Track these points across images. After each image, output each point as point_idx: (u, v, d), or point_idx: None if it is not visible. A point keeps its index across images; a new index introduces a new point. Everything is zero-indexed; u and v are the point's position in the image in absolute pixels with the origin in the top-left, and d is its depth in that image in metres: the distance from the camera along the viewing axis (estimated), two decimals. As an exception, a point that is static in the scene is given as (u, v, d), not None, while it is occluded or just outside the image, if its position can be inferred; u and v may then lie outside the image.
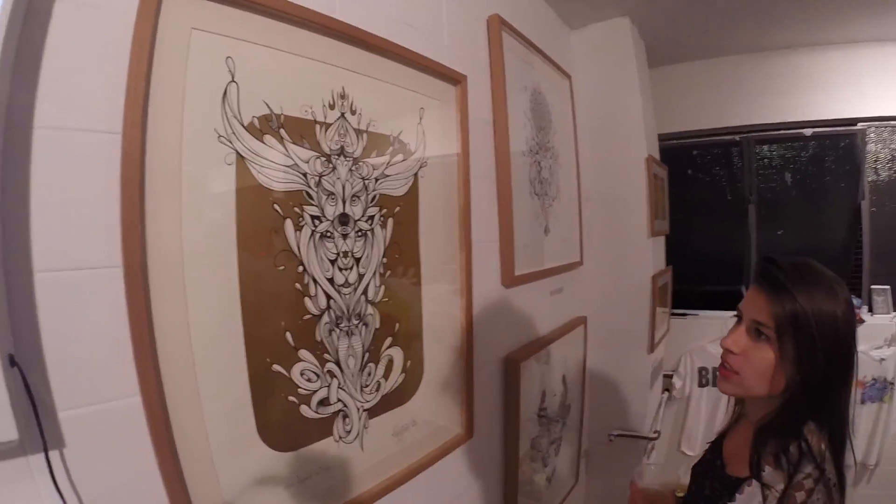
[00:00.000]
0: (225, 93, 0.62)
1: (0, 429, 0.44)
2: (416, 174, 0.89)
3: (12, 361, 0.46)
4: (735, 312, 0.76)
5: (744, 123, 2.48)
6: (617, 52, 1.75)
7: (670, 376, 2.31)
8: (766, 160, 2.58)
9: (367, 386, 0.80)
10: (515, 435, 1.16)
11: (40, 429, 0.48)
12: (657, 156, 1.93)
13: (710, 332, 2.34)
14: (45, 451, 0.48)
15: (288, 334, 0.68)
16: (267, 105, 0.66)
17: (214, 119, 0.61)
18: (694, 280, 2.53)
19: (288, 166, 0.68)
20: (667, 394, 2.21)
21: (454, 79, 0.97)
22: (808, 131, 2.38)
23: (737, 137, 2.55)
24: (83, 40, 0.51)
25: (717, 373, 0.77)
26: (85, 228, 0.51)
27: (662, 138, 2.11)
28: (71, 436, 0.51)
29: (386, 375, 0.83)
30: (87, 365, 0.52)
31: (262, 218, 0.65)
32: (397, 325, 0.85)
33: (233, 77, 0.62)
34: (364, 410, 0.79)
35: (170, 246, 0.57)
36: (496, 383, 1.17)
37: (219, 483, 0.61)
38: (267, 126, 0.66)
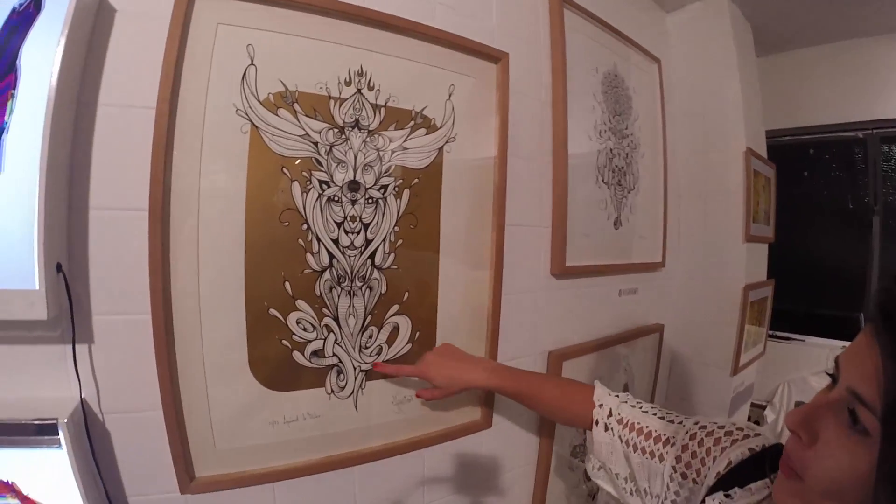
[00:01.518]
0: (244, 74, 0.75)
1: (35, 311, 0.59)
2: (440, 149, 0.93)
3: (59, 268, 0.63)
4: (833, 366, 0.45)
5: (869, 119, 2.08)
6: (714, 34, 1.60)
7: (762, 407, 1.94)
8: (894, 163, 2.04)
9: (367, 347, 0.86)
10: (550, 436, 1.10)
11: (73, 324, 0.64)
12: (762, 151, 1.71)
13: (815, 363, 2.00)
14: (73, 342, 0.65)
15: (287, 284, 0.78)
16: (282, 83, 0.78)
17: (234, 96, 0.74)
18: (802, 299, 2.13)
19: (299, 136, 0.79)
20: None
21: (493, 56, 1.00)
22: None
23: (860, 135, 2.13)
24: (132, 42, 0.68)
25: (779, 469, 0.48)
26: (126, 180, 0.68)
27: (774, 134, 1.87)
28: (99, 336, 0.68)
29: (389, 342, 0.89)
30: (118, 284, 0.68)
31: (270, 179, 0.77)
32: (406, 294, 0.90)
33: (252, 61, 0.76)
34: (361, 371, 0.86)
35: (189, 196, 0.71)
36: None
37: (208, 401, 0.74)
38: (281, 101, 0.78)
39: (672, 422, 0.71)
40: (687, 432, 0.67)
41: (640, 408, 0.77)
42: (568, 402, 0.86)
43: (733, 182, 1.57)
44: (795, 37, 2.05)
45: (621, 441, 0.75)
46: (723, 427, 0.65)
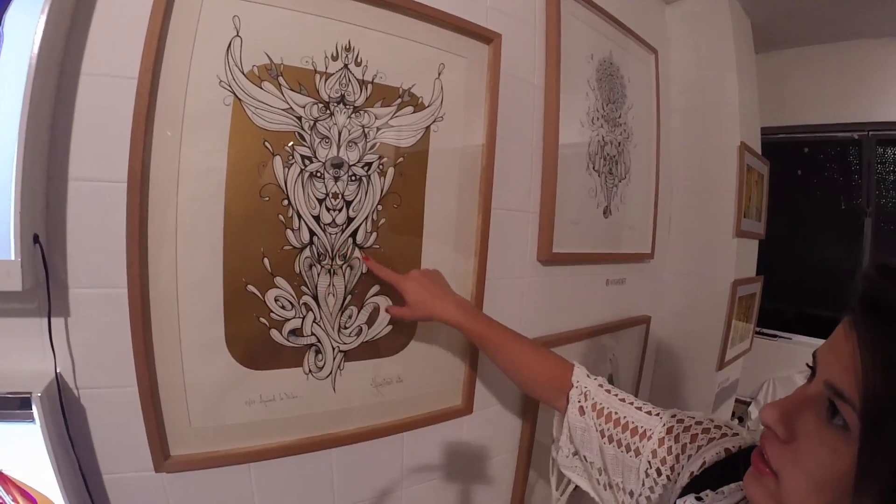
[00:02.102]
0: (229, 46, 0.74)
1: (11, 281, 0.58)
2: (427, 127, 0.93)
3: (35, 239, 0.62)
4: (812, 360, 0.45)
5: (866, 120, 2.10)
6: (713, 28, 1.62)
7: (747, 403, 1.98)
8: (889, 165, 2.11)
9: (346, 328, 0.86)
10: (532, 424, 1.12)
11: (48, 296, 0.64)
12: (757, 147, 1.72)
13: (801, 361, 1.96)
14: (49, 314, 0.64)
15: (266, 260, 0.77)
16: (268, 56, 0.77)
17: (218, 67, 0.73)
18: (791, 298, 2.17)
19: (283, 110, 0.78)
20: (736, 421, 1.88)
21: (485, 37, 0.99)
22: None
23: (855, 136, 2.15)
24: (117, 11, 0.67)
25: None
26: (107, 151, 0.67)
27: (769, 131, 1.90)
28: (76, 309, 0.67)
29: (369, 322, 0.89)
30: (96, 257, 0.67)
31: (252, 152, 0.76)
32: (388, 274, 0.89)
33: (237, 32, 0.75)
34: (340, 351, 0.86)
35: (169, 168, 0.70)
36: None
37: (184, 378, 0.73)
38: (266, 74, 0.77)
39: (650, 414, 0.70)
40: (665, 425, 0.66)
41: (618, 396, 0.75)
42: (540, 368, 0.84)
43: (726, 176, 1.58)
44: (795, 35, 2.06)
45: (596, 430, 0.74)
46: (700, 423, 0.64)
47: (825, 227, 2.32)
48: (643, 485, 0.65)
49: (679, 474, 0.62)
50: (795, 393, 0.44)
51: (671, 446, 0.64)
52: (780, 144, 2.23)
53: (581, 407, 0.77)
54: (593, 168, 1.25)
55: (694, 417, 0.66)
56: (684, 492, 0.60)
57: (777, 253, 1.93)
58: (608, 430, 0.72)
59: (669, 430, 0.65)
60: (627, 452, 0.68)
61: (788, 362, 2.09)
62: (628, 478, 0.68)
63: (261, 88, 0.76)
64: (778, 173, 1.90)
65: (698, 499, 0.57)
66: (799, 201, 2.36)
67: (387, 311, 0.89)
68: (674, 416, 0.67)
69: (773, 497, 0.42)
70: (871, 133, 2.16)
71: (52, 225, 0.65)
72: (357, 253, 0.86)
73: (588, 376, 0.81)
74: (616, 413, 0.72)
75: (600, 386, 0.78)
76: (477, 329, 0.86)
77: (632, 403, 0.73)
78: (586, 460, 0.76)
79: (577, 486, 0.83)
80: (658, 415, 0.69)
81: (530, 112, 1.12)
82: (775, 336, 2.16)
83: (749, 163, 1.61)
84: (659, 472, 0.64)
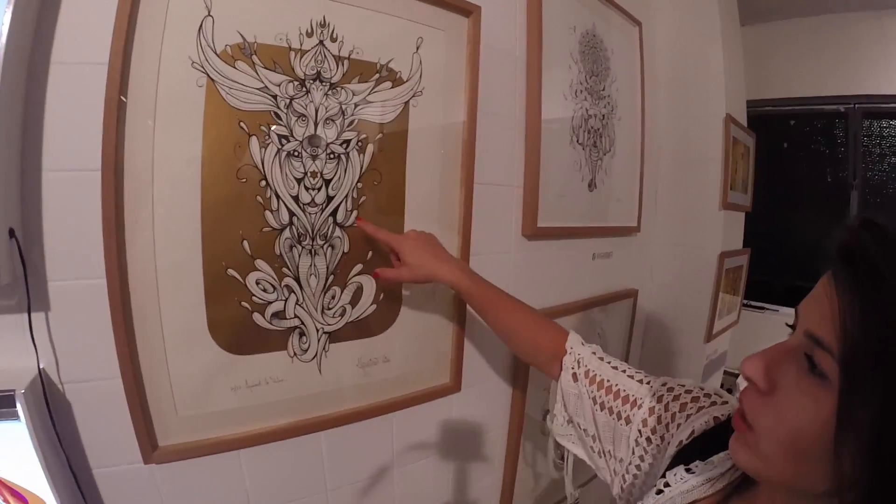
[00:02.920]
0: (201, 26, 0.73)
1: None
2: (406, 103, 0.92)
3: (11, 233, 0.61)
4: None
5: (852, 93, 2.14)
6: (698, 1, 1.61)
7: (736, 375, 2.04)
8: (875, 138, 2.13)
9: (329, 308, 0.87)
10: (521, 400, 1.14)
11: (27, 291, 0.63)
12: (742, 120, 1.74)
13: (788, 332, 2.03)
14: (29, 310, 0.64)
15: (245, 243, 0.77)
16: (240, 34, 0.76)
17: (189, 48, 0.72)
18: (777, 271, 2.21)
19: (258, 89, 0.77)
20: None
21: (464, 9, 0.98)
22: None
23: (842, 108, 2.17)
24: (84, 2, 0.65)
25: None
26: (80, 140, 0.66)
27: (755, 104, 1.92)
28: (56, 302, 0.67)
29: (353, 302, 0.90)
30: (73, 248, 0.67)
31: (227, 134, 0.76)
32: (370, 252, 0.91)
33: (209, 12, 0.73)
34: (325, 333, 0.87)
35: (142, 153, 0.69)
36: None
37: (167, 366, 0.74)
38: (240, 53, 0.76)
39: (641, 381, 0.71)
40: (654, 394, 0.67)
41: (611, 364, 0.76)
42: (538, 335, 0.85)
43: (712, 148, 1.59)
44: (780, 7, 2.07)
45: (588, 397, 0.75)
46: (690, 392, 0.65)
47: (811, 199, 2.35)
48: (633, 453, 0.66)
49: (668, 443, 0.62)
50: (775, 346, 0.44)
51: (661, 415, 0.64)
52: (767, 117, 2.25)
53: (574, 374, 0.78)
54: (577, 141, 1.26)
55: (684, 385, 0.67)
56: (674, 461, 0.60)
57: (763, 225, 1.95)
58: (599, 397, 0.73)
59: (659, 399, 0.66)
60: (618, 420, 0.69)
61: (776, 334, 2.08)
62: (619, 445, 0.69)
63: (234, 68, 0.75)
64: (764, 146, 1.91)
65: (688, 470, 0.58)
66: (785, 174, 2.38)
67: (378, 274, 0.88)
68: (664, 384, 0.68)
69: (752, 449, 0.43)
70: (857, 106, 2.18)
71: (27, 218, 0.64)
72: (338, 232, 0.86)
73: (582, 344, 0.81)
74: (608, 381, 0.73)
75: (594, 353, 0.78)
76: (480, 292, 0.86)
77: (624, 371, 0.74)
78: (580, 427, 0.76)
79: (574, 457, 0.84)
80: (648, 383, 0.70)
81: (512, 85, 1.12)
82: (762, 308, 2.20)
83: (735, 135, 1.63)
84: (649, 441, 0.64)
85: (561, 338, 0.83)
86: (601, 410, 0.72)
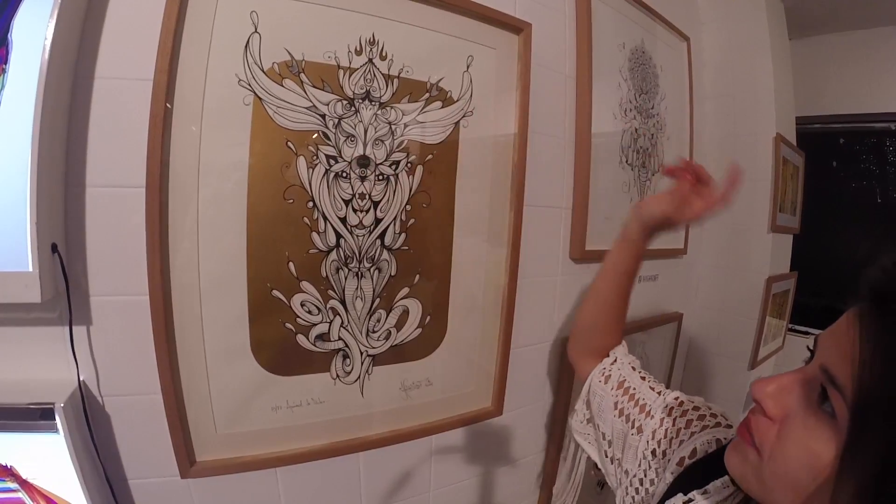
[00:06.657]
0: (248, 43, 0.70)
1: (30, 293, 0.56)
2: (457, 123, 0.87)
3: (54, 248, 0.59)
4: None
5: None
6: (746, 14, 1.51)
7: None
8: None
9: (374, 332, 0.82)
10: (561, 424, 1.07)
11: (69, 305, 0.61)
12: (792, 138, 1.61)
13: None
14: (70, 324, 0.62)
15: (291, 264, 0.73)
16: (288, 52, 0.72)
17: (236, 66, 0.69)
18: (824, 294, 2.03)
19: (306, 108, 0.74)
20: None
21: (515, 27, 0.92)
22: None
23: (893, 126, 1.98)
24: (130, 11, 0.63)
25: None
26: (124, 156, 0.64)
27: (803, 121, 1.76)
28: (97, 317, 0.65)
29: (398, 326, 0.85)
30: (116, 264, 0.65)
31: (274, 153, 0.72)
32: (417, 276, 0.85)
33: (256, 28, 0.70)
34: (368, 356, 0.82)
35: (188, 171, 0.67)
36: (545, 363, 1.09)
37: (208, 384, 0.71)
38: (287, 71, 0.72)
39: (659, 393, 0.67)
40: (665, 406, 0.64)
41: (640, 374, 0.72)
42: (610, 323, 0.78)
43: (761, 169, 1.49)
44: (830, 20, 1.93)
45: (612, 400, 0.71)
46: (698, 409, 0.62)
47: (860, 220, 2.19)
48: (639, 465, 0.64)
49: (670, 459, 0.60)
50: (790, 373, 0.41)
51: (668, 428, 0.62)
52: (815, 135, 2.11)
53: (608, 376, 0.74)
54: (626, 162, 1.18)
55: (693, 402, 0.64)
56: (673, 487, 0.57)
57: (810, 247, 1.82)
58: (621, 402, 0.70)
59: (669, 412, 0.63)
60: (632, 428, 0.66)
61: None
62: (627, 454, 0.66)
63: (282, 86, 0.71)
64: (811, 164, 1.78)
65: (688, 502, 0.54)
66: (833, 194, 2.22)
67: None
68: (676, 398, 0.65)
69: (751, 467, 0.41)
70: (910, 123, 2.01)
71: (71, 233, 0.62)
72: (385, 255, 0.81)
73: (626, 354, 0.78)
74: (633, 388, 0.70)
75: (631, 364, 0.75)
76: (643, 250, 0.79)
77: (648, 382, 0.70)
78: (599, 429, 0.73)
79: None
80: (660, 393, 0.67)
81: (562, 104, 1.05)
82: (808, 333, 2.05)
83: (784, 155, 1.52)
84: (654, 454, 0.62)
85: (615, 342, 0.79)
86: (619, 417, 0.69)
